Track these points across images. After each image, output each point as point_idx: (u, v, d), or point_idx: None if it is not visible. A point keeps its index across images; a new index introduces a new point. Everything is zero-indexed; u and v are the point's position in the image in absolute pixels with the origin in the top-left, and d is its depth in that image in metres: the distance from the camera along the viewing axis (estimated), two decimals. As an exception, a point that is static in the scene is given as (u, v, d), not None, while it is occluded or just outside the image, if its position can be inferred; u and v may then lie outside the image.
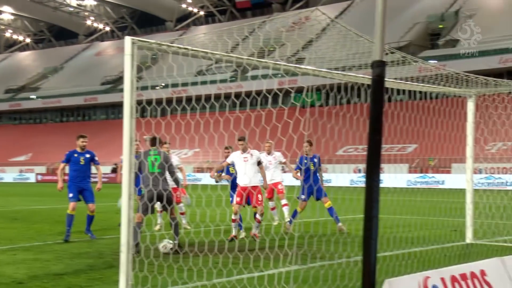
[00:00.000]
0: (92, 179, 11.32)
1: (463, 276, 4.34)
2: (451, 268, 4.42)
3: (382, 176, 3.91)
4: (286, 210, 12.37)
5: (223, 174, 10.80)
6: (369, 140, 3.87)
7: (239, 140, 10.27)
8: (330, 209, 11.20)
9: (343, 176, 36.77)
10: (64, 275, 7.21)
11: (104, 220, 14.61)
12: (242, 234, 10.01)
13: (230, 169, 10.87)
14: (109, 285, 6.64)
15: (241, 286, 5.79)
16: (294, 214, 11.29)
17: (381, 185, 3.95)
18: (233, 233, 10.00)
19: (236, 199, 10.17)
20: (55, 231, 12.44)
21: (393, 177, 31.72)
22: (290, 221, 11.21)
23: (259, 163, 10.14)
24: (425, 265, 7.02)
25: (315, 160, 11.50)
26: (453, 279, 4.24)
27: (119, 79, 78.15)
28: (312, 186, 11.32)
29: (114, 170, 51.82)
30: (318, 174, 11.56)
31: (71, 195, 10.86)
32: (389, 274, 6.33)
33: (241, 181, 10.09)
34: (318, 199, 11.37)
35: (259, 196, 9.97)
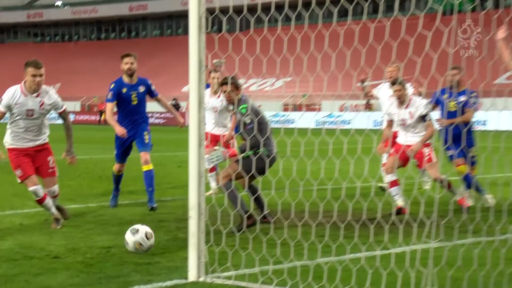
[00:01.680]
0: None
1: None
2: None
3: None
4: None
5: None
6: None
7: (392, 84, 10.20)
8: (466, 177, 10.73)
9: (506, 115, 35.66)
10: (112, 248, 7.67)
11: (163, 177, 15.20)
12: (400, 202, 10.05)
13: None
14: (174, 263, 7.03)
15: (357, 268, 5.96)
16: (467, 179, 10.73)
17: None
18: (399, 202, 9.99)
19: (388, 149, 10.34)
20: (98, 190, 13.16)
21: None
22: (480, 190, 10.74)
23: (423, 118, 10.02)
24: None
25: (462, 98, 10.93)
26: None
27: (177, -23, 78.93)
28: (460, 134, 10.76)
29: (174, 108, 53.09)
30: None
31: (116, 151, 11.04)
32: None
33: (400, 138, 10.31)
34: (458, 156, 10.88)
35: (425, 150, 9.94)
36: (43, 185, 9.15)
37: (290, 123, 45.51)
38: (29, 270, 6.69)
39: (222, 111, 12.58)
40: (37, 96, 8.90)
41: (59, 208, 9.40)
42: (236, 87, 9.06)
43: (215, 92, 12.48)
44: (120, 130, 10.53)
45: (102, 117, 60.51)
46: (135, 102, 10.77)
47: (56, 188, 9.32)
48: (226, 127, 12.72)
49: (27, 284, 6.18)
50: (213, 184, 12.50)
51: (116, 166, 11.12)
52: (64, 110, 9.27)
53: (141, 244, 7.21)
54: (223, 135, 12.44)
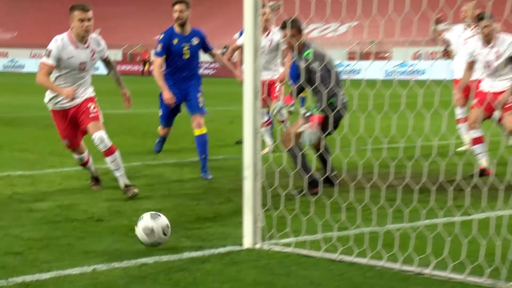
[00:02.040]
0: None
1: None
2: None
3: None
4: None
5: None
6: None
7: (480, 19, 9.76)
8: None
9: None
10: (160, 211, 7.70)
11: (214, 133, 15.31)
12: (484, 162, 9.89)
13: None
14: (227, 228, 7.12)
15: (433, 235, 5.93)
16: None
17: None
18: (483, 162, 9.82)
19: (473, 101, 10.05)
20: (142, 148, 13.34)
21: None
22: None
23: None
24: None
25: None
26: None
27: None
28: None
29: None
30: None
31: (161, 112, 10.84)
32: None
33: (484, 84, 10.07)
34: None
35: (510, 97, 9.66)
36: (89, 132, 8.91)
37: (356, 74, 45.23)
38: (71, 233, 6.86)
39: (271, 52, 12.36)
40: (87, 46, 8.84)
41: (127, 186, 8.83)
42: (299, 30, 8.82)
43: (264, 30, 11.92)
44: (169, 98, 10.23)
45: (146, 67, 61.01)
46: (187, 56, 10.34)
47: (103, 135, 8.76)
48: (276, 71, 12.51)
49: (70, 248, 6.33)
50: (268, 140, 12.45)
51: (161, 131, 11.15)
52: (108, 54, 9.30)
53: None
54: (274, 80, 12.34)
